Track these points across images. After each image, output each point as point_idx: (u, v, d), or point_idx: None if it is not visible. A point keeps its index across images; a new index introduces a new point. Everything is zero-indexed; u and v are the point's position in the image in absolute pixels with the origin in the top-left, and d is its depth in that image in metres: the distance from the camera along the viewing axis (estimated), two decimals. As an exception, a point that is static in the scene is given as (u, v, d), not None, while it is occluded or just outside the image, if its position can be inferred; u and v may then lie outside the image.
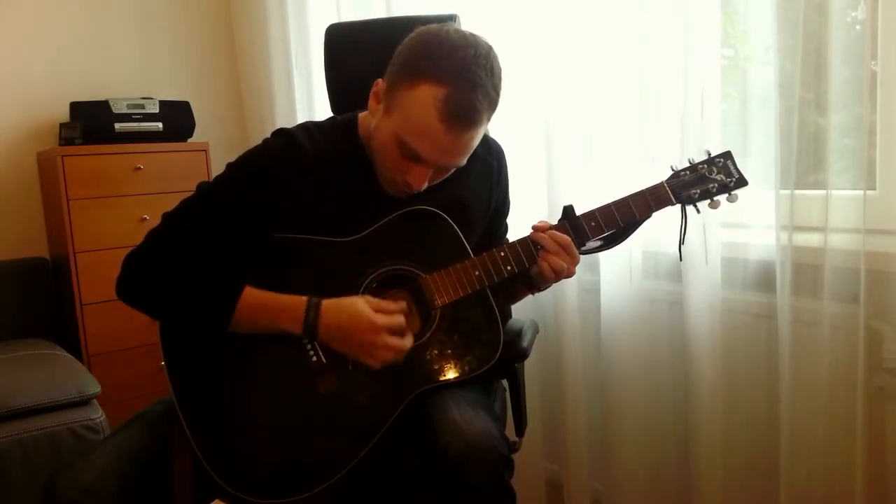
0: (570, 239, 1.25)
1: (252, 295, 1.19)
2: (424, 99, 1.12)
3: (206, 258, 1.20)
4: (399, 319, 1.20)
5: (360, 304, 1.18)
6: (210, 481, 1.14)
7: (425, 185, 1.21)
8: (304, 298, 1.18)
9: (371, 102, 1.23)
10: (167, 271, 1.20)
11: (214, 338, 1.20)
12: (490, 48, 1.16)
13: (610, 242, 1.32)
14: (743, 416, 1.63)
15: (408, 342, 1.20)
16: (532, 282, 1.33)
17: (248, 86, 3.02)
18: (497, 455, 1.12)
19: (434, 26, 1.18)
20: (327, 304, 1.18)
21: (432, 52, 1.13)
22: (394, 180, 1.23)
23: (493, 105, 1.17)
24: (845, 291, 1.39)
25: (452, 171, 1.24)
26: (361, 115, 1.31)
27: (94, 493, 1.07)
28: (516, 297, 1.47)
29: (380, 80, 1.21)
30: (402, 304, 1.22)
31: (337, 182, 1.25)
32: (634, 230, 1.31)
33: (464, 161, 1.21)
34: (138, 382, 2.42)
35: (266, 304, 1.19)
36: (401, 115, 1.15)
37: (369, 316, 1.17)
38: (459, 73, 1.11)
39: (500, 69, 1.17)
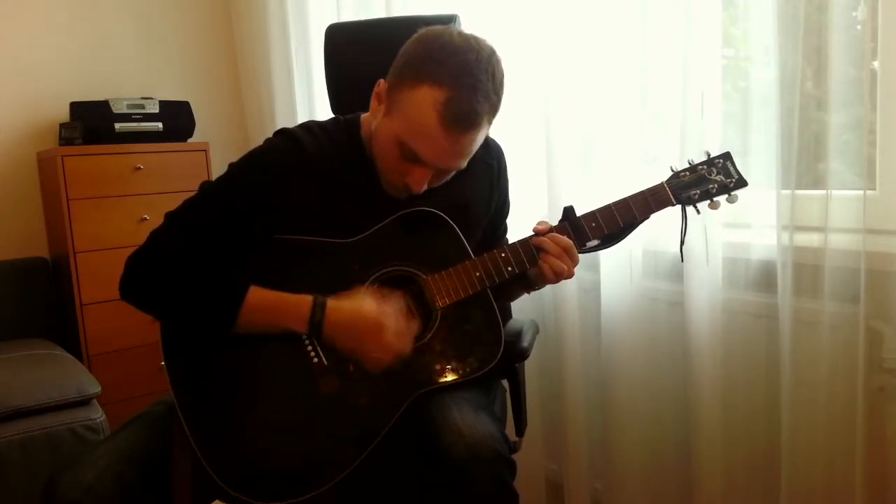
0: (571, 241, 1.25)
1: (256, 294, 1.18)
2: (425, 101, 1.12)
3: (209, 258, 1.20)
4: (401, 323, 1.20)
5: (367, 304, 1.18)
6: (210, 482, 1.14)
7: (425, 187, 1.21)
8: (310, 297, 1.18)
9: (372, 103, 1.23)
10: (170, 271, 1.19)
11: (218, 337, 1.20)
12: (493, 52, 1.16)
13: (607, 242, 1.32)
14: (743, 415, 1.62)
15: (408, 347, 1.20)
16: (530, 281, 1.33)
17: (248, 86, 3.02)
18: (499, 458, 1.12)
19: (438, 28, 1.17)
20: (333, 303, 1.18)
21: (434, 55, 1.13)
22: (394, 182, 1.23)
23: (493, 109, 1.17)
24: (845, 291, 1.39)
25: (453, 173, 1.24)
26: (364, 115, 1.31)
27: (94, 494, 1.06)
28: (513, 296, 1.47)
29: (382, 80, 1.21)
30: (402, 305, 1.22)
31: (339, 182, 1.25)
32: (633, 230, 1.31)
33: (464, 164, 1.21)
34: (138, 382, 2.42)
35: (271, 304, 1.18)
36: (401, 117, 1.15)
37: (376, 316, 1.17)
38: (460, 76, 1.11)
39: (502, 73, 1.17)
